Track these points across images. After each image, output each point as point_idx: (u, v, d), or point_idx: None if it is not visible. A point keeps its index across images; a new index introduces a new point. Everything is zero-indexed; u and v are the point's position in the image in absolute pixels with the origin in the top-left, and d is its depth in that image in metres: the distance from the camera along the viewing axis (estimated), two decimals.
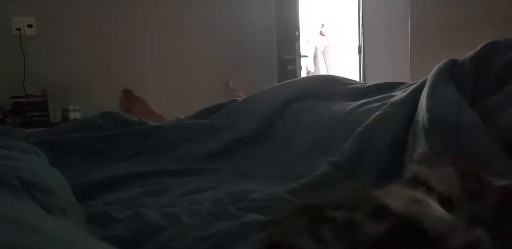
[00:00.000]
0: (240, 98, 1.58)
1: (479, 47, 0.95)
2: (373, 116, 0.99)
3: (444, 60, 1.00)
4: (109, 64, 3.01)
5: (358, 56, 3.94)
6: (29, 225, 0.35)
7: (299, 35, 3.64)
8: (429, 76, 0.96)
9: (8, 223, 0.33)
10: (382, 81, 1.32)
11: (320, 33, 5.84)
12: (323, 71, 5.78)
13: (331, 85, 1.36)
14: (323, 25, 5.80)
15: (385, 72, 3.51)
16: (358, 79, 3.47)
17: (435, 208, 0.41)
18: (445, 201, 0.43)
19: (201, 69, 3.23)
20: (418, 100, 0.93)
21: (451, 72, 0.95)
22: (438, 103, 0.86)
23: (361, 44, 3.90)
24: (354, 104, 1.14)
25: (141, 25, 3.10)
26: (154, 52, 3.14)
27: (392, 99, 1.04)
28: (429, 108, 0.85)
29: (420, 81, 1.03)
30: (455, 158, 0.49)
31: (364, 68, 3.90)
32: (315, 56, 5.91)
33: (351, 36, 4.26)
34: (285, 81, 1.55)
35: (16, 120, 2.62)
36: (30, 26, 2.82)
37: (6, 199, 0.49)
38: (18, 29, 2.79)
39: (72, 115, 2.78)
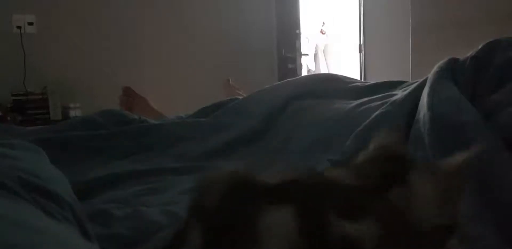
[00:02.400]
0: (240, 97, 1.58)
1: (480, 46, 0.95)
2: (374, 115, 0.99)
3: (445, 59, 1.00)
4: (110, 62, 3.01)
5: (358, 54, 3.94)
6: (25, 224, 0.35)
7: (299, 33, 3.64)
8: (430, 75, 0.96)
9: (5, 222, 0.33)
10: (383, 80, 1.32)
11: (321, 31, 5.84)
12: (323, 70, 5.78)
13: (332, 84, 1.36)
14: (323, 23, 5.80)
15: (386, 71, 3.50)
16: (358, 78, 3.48)
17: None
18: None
19: (201, 67, 3.23)
20: (419, 99, 0.93)
21: (452, 71, 0.95)
22: (439, 102, 0.86)
23: (362, 43, 3.89)
24: (355, 103, 1.14)
25: (142, 22, 3.10)
26: (154, 49, 3.13)
27: (393, 98, 1.04)
28: (430, 107, 0.85)
29: (421, 80, 1.03)
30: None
31: (365, 67, 3.90)
32: (315, 55, 5.91)
33: (351, 35, 4.25)
34: (285, 80, 1.55)
35: (16, 118, 2.62)
36: (30, 24, 2.82)
37: (3, 200, 0.49)
38: (19, 27, 2.79)
39: (72, 113, 2.78)
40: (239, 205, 0.32)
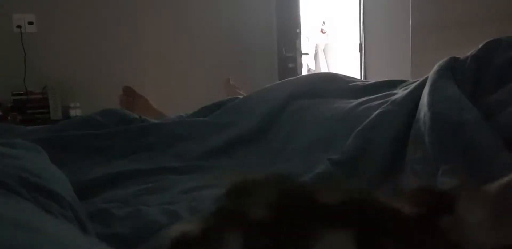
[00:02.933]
0: (240, 96, 1.58)
1: (480, 45, 0.95)
2: (374, 114, 0.99)
3: (445, 58, 1.00)
4: (110, 62, 3.01)
5: (359, 54, 3.93)
6: (25, 224, 0.35)
7: (300, 32, 3.64)
8: (430, 74, 0.96)
9: (4, 222, 0.33)
10: (383, 79, 1.32)
11: (321, 31, 5.84)
12: (323, 69, 5.77)
13: (332, 83, 1.36)
14: (324, 22, 5.79)
15: (386, 70, 3.50)
16: (359, 77, 3.48)
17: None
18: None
19: (201, 67, 3.23)
20: (419, 98, 0.93)
21: (453, 70, 0.95)
22: (439, 101, 0.86)
23: (362, 42, 3.89)
24: (355, 102, 1.14)
25: (142, 22, 3.09)
26: (155, 48, 3.13)
27: (393, 97, 1.04)
28: (431, 106, 0.85)
29: (421, 79, 1.03)
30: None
31: (365, 66, 3.90)
32: (316, 54, 5.91)
33: (352, 34, 4.25)
34: (286, 79, 1.55)
35: (16, 117, 2.62)
36: (30, 23, 2.82)
37: (3, 200, 0.49)
38: (19, 27, 2.79)
39: (72, 113, 2.78)
40: (292, 221, 0.28)
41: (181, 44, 3.20)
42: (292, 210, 0.29)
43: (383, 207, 0.31)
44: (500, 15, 2.39)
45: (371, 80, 1.41)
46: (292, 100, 1.30)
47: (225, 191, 0.32)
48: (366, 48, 3.87)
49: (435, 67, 0.98)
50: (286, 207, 0.29)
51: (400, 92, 1.08)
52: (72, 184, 0.74)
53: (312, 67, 5.85)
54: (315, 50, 5.88)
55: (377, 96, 1.13)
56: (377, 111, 0.99)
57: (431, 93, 0.89)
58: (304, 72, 4.63)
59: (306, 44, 5.37)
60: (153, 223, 0.72)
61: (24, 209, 0.49)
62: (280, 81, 1.59)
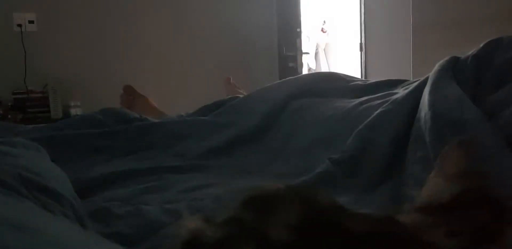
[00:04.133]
0: (241, 95, 1.58)
1: (481, 45, 0.95)
2: (375, 114, 0.99)
3: (446, 58, 1.00)
4: (110, 61, 3.00)
5: (359, 53, 3.93)
6: (25, 225, 0.35)
7: (300, 32, 3.63)
8: (431, 74, 0.96)
9: (4, 223, 0.33)
10: (384, 79, 1.32)
11: (322, 30, 5.84)
12: (324, 68, 5.77)
13: (333, 83, 1.36)
14: (324, 22, 5.79)
15: (387, 69, 3.50)
16: (359, 77, 3.47)
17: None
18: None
19: (202, 66, 3.23)
20: (420, 98, 0.93)
21: (453, 69, 0.95)
22: (440, 100, 0.86)
23: (363, 42, 3.89)
24: (356, 101, 1.14)
25: (143, 21, 3.09)
26: (155, 47, 3.13)
27: (394, 97, 1.04)
28: (432, 105, 0.85)
29: (422, 78, 1.03)
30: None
31: (366, 66, 3.89)
32: (316, 53, 5.90)
33: (352, 33, 4.25)
34: (286, 78, 1.55)
35: (17, 116, 2.62)
36: (31, 22, 2.82)
37: (4, 199, 0.49)
38: (19, 25, 2.79)
39: (73, 112, 2.78)
40: (313, 247, 0.25)
41: (182, 44, 3.20)
42: (314, 235, 0.26)
43: (409, 239, 0.29)
44: (500, 15, 2.38)
45: (372, 79, 1.41)
46: (292, 100, 1.30)
47: (242, 201, 0.30)
48: (366, 48, 3.86)
49: (436, 67, 0.98)
50: (308, 231, 0.26)
51: (400, 92, 1.08)
52: (73, 182, 0.74)
53: (313, 66, 5.85)
54: (316, 50, 5.88)
55: (377, 96, 1.13)
56: (377, 111, 0.99)
57: (432, 92, 0.89)
58: (305, 71, 4.63)
59: (307, 43, 5.37)
60: (153, 222, 0.72)
61: (24, 209, 0.49)
62: (280, 81, 1.59)
